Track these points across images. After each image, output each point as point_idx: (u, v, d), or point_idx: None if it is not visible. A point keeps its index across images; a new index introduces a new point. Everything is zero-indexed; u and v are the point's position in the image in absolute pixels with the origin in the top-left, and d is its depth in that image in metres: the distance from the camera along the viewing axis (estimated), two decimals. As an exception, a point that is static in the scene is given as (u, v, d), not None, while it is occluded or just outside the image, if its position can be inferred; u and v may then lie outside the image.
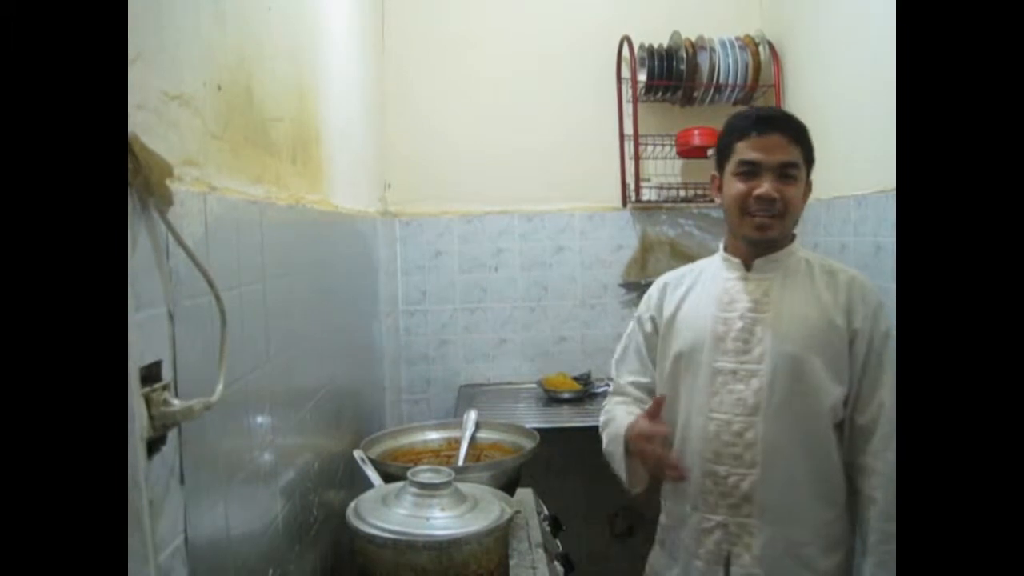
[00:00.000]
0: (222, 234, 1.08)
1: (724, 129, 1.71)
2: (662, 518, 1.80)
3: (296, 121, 1.60)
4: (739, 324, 1.65)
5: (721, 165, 1.71)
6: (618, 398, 1.85)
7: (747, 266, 1.69)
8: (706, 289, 1.73)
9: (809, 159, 1.67)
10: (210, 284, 0.93)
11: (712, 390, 1.65)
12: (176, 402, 0.86)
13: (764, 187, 1.60)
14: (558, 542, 1.91)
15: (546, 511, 2.01)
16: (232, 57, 1.20)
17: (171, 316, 0.89)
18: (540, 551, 1.70)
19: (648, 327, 1.81)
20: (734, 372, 1.64)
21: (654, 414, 1.64)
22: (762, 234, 1.64)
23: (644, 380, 1.82)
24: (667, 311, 1.77)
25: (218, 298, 0.95)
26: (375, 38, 3.00)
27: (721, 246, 1.78)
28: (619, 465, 1.71)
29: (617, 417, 1.76)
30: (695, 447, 1.67)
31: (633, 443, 1.66)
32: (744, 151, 1.63)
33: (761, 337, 1.63)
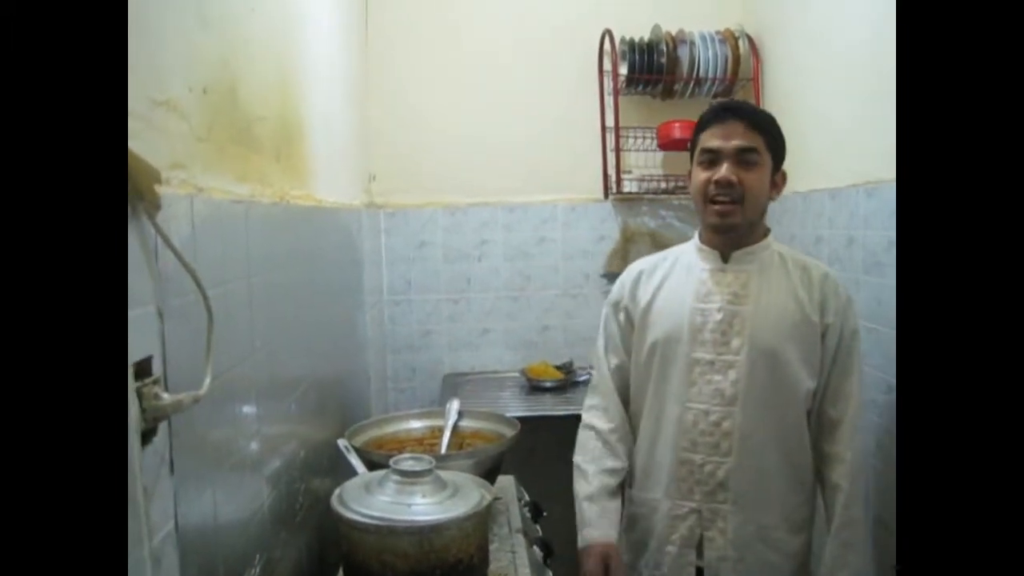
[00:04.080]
0: (208, 234, 1.12)
1: (696, 125, 1.75)
2: (629, 508, 1.83)
3: (280, 118, 1.64)
4: (718, 316, 1.68)
5: (691, 159, 1.75)
6: (591, 414, 1.85)
7: (724, 258, 1.72)
8: (682, 279, 1.75)
9: (775, 147, 1.68)
10: (197, 283, 0.97)
11: (690, 380, 1.69)
12: (166, 396, 0.90)
13: (722, 172, 1.63)
14: (538, 527, 1.95)
15: (527, 497, 2.05)
16: (216, 59, 1.23)
17: (160, 314, 0.94)
18: (520, 536, 1.75)
19: (621, 316, 1.83)
20: (712, 363, 1.67)
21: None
22: (723, 220, 1.67)
23: (620, 364, 1.84)
24: (642, 300, 1.78)
25: (204, 296, 0.99)
26: (358, 30, 3.02)
27: (696, 236, 1.80)
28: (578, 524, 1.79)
29: (587, 476, 1.79)
30: (669, 436, 1.71)
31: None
32: (706, 140, 1.67)
33: (739, 329, 1.66)
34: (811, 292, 1.68)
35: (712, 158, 1.66)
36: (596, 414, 1.85)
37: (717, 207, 1.66)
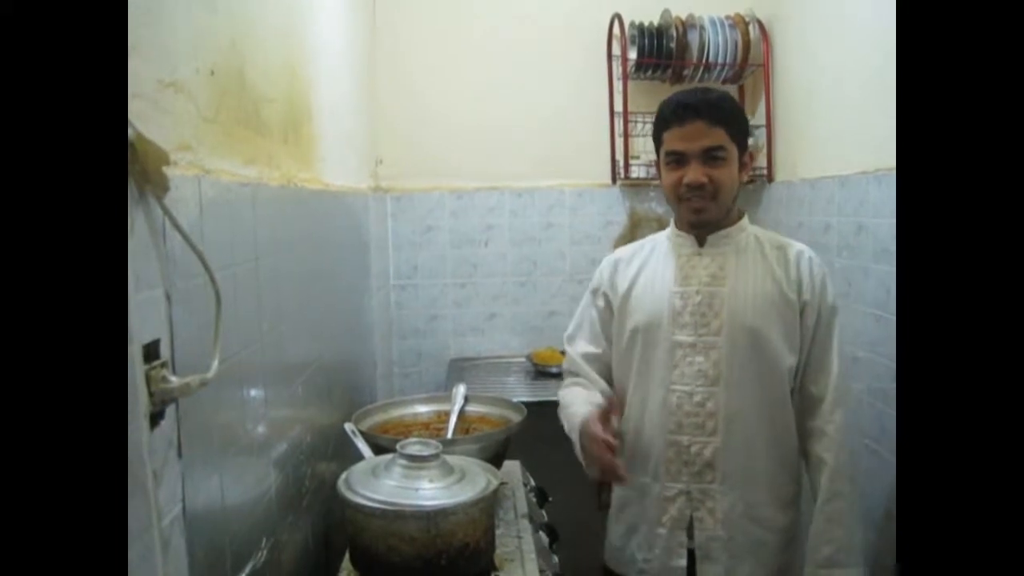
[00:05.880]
0: (216, 216, 1.11)
1: (654, 119, 1.74)
2: (619, 491, 1.83)
3: (287, 101, 1.63)
4: (697, 298, 1.70)
5: (657, 153, 1.75)
6: (571, 379, 1.89)
7: (700, 242, 1.74)
8: (660, 265, 1.78)
9: (738, 134, 1.68)
10: (205, 266, 0.97)
11: (672, 363, 1.71)
12: (174, 379, 0.89)
13: (691, 174, 1.64)
14: (544, 512, 1.96)
15: (533, 482, 2.06)
16: (224, 41, 1.22)
17: (168, 297, 0.93)
18: (526, 521, 1.76)
19: (601, 302, 1.86)
20: (693, 345, 1.70)
21: (605, 418, 1.67)
22: (698, 216, 1.69)
23: (597, 352, 1.86)
24: (621, 288, 1.81)
25: (212, 279, 0.98)
26: (367, 14, 3.01)
27: (672, 222, 1.82)
28: (578, 453, 1.74)
29: (573, 404, 1.79)
30: (656, 419, 1.73)
31: (586, 443, 1.67)
32: (670, 141, 1.67)
33: (719, 310, 1.69)
34: (788, 271, 1.71)
35: (678, 159, 1.67)
36: (574, 383, 1.88)
37: (691, 204, 1.68)
